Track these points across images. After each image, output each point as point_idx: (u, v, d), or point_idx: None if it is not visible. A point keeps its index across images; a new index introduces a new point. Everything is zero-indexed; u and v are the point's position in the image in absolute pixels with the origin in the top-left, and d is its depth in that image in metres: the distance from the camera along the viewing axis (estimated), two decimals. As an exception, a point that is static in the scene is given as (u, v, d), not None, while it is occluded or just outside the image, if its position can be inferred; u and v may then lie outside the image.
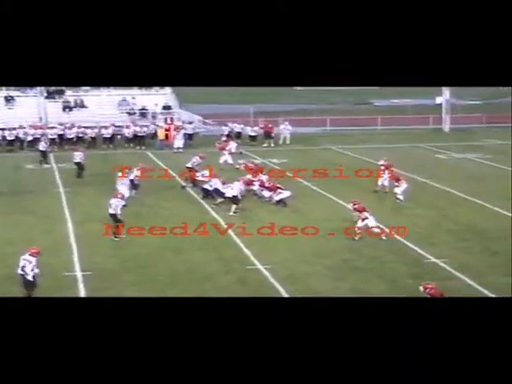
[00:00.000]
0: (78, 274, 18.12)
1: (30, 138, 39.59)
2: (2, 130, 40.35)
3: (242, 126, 42.74)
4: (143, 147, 39.94)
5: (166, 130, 40.78)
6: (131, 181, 26.35)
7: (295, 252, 19.85)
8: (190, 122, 43.49)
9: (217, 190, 25.31)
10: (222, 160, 32.33)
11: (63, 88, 45.51)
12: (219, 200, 25.07)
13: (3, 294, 14.85)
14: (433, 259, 19.18)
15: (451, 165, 35.20)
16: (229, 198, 24.41)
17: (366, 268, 18.54)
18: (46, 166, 34.39)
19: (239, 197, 24.43)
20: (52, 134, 39.96)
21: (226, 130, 41.37)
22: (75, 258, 19.37)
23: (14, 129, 40.16)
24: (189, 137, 40.76)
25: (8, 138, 39.69)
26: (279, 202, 25.31)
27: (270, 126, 42.08)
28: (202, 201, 25.90)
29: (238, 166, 31.08)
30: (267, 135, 41.35)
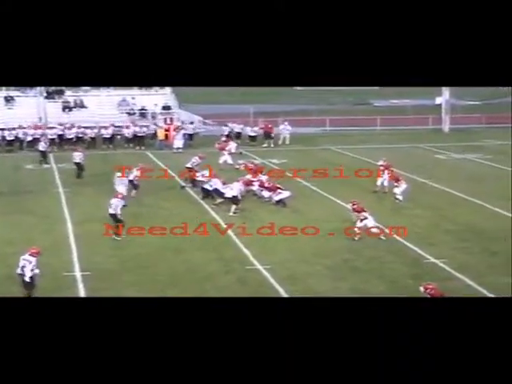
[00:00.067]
0: (78, 274, 18.12)
1: (29, 138, 39.55)
2: (2, 130, 40.33)
3: (242, 126, 42.72)
4: (143, 147, 39.92)
5: (166, 130, 40.81)
6: (131, 181, 26.35)
7: (295, 252, 19.85)
8: (191, 123, 43.48)
9: (217, 190, 25.31)
10: (221, 160, 32.32)
11: (63, 88, 45.46)
12: (219, 200, 25.07)
13: (3, 294, 14.85)
14: (432, 259, 19.18)
15: (451, 165, 35.19)
16: (229, 198, 24.41)
17: (365, 268, 18.55)
18: (45, 166, 34.37)
19: (239, 197, 24.43)
20: (52, 134, 39.92)
21: (225, 130, 41.35)
22: (75, 258, 19.37)
23: (14, 129, 40.15)
24: (189, 137, 40.76)
25: (8, 138, 39.68)
26: (279, 202, 25.31)
27: (269, 126, 42.05)
28: (201, 201, 25.90)
29: (237, 167, 31.05)
30: (267, 135, 41.33)
